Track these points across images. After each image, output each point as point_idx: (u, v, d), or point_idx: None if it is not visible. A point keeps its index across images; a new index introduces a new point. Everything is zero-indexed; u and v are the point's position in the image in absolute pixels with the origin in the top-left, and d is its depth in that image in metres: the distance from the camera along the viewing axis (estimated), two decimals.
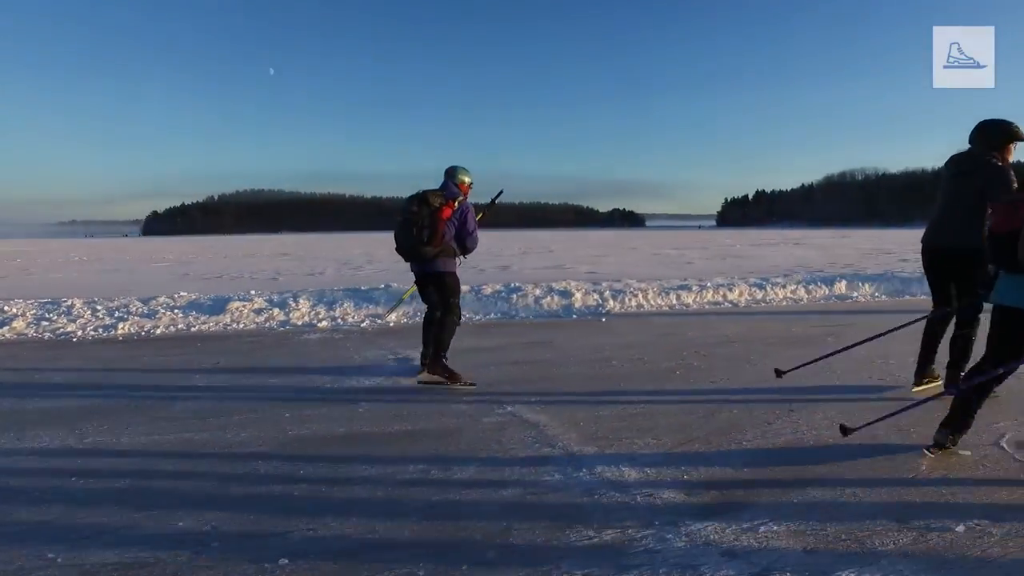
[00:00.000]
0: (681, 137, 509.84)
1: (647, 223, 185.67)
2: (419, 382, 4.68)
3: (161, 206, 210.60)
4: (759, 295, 9.03)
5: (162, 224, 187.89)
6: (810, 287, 9.52)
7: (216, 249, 33.81)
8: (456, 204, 4.65)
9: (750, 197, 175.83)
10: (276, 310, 7.61)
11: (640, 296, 8.61)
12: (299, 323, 7.33)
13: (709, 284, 9.43)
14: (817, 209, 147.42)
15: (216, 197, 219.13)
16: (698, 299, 8.76)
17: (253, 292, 8.75)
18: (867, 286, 9.76)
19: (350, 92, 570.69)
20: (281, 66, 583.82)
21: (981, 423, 3.27)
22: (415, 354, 5.27)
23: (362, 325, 7.24)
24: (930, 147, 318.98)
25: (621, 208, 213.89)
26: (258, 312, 7.51)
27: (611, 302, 8.38)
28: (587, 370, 5.07)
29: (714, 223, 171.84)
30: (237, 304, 7.63)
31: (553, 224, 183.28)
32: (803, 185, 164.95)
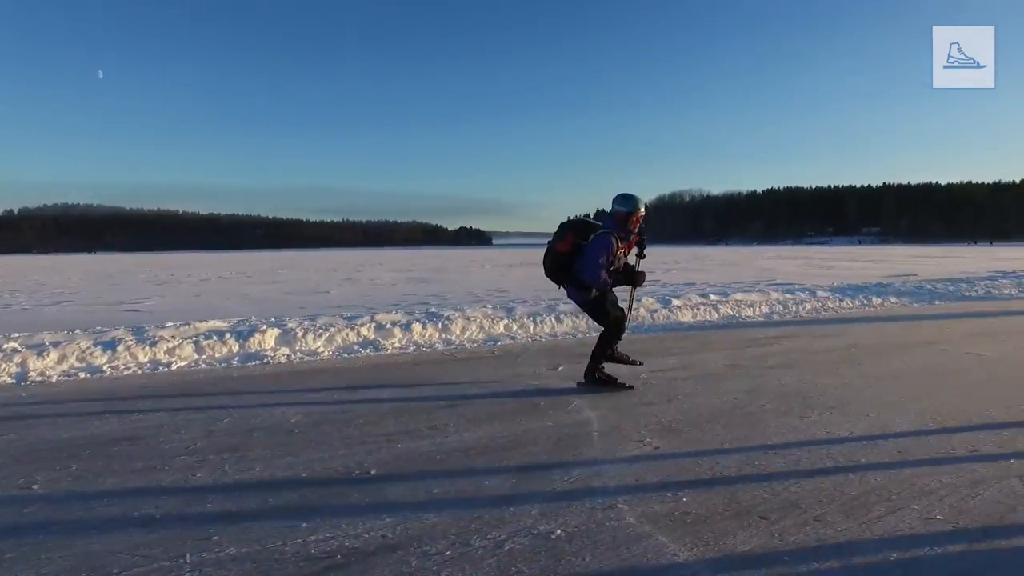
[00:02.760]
0: (528, 158, 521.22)
1: (494, 241, 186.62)
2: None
3: None
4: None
5: None
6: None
7: None
8: (592, 238, 4.70)
9: (591, 216, 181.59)
10: None
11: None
12: None
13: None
14: (650, 227, 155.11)
15: (16, 211, 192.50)
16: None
17: None
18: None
19: (186, 101, 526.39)
20: (110, 69, 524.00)
21: None
22: None
23: None
24: (747, 172, 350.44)
25: (469, 226, 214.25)
26: None
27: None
28: None
29: None
30: None
31: (401, 242, 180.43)
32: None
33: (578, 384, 4.80)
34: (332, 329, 6.80)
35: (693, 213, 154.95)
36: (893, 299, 10.81)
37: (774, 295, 9.90)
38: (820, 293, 10.51)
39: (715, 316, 8.54)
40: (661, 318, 8.13)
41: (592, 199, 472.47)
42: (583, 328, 7.58)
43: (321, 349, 6.44)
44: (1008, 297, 11.81)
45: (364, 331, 6.89)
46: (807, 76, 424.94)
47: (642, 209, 4.82)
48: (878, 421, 3.79)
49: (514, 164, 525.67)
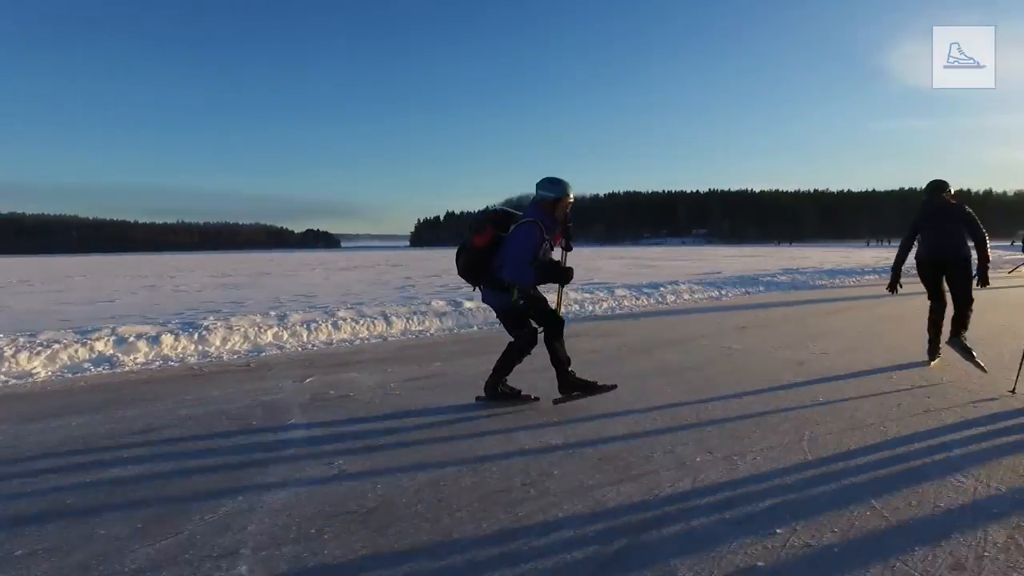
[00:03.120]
0: (378, 158, 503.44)
1: (343, 243, 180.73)
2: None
3: None
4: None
5: None
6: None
7: None
8: (513, 229, 4.13)
9: (441, 218, 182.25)
10: None
11: None
12: None
13: None
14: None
15: None
16: None
17: None
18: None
19: None
20: None
21: None
22: None
23: None
24: (591, 176, 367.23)
25: (316, 229, 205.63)
26: None
27: None
28: None
29: (408, 244, 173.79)
30: None
31: (244, 245, 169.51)
32: (487, 207, 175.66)
33: (477, 399, 4.32)
34: (57, 345, 5.84)
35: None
36: (686, 296, 11.50)
37: (573, 295, 10.11)
38: (618, 292, 10.92)
39: None
40: (450, 323, 7.92)
41: (442, 201, 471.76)
42: (363, 334, 7.17)
43: (38, 370, 5.49)
44: (786, 287, 13.07)
45: (100, 346, 6.00)
46: (643, 85, 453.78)
47: (571, 195, 4.22)
48: (594, 426, 3.75)
49: (364, 164, 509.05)
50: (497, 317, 4.44)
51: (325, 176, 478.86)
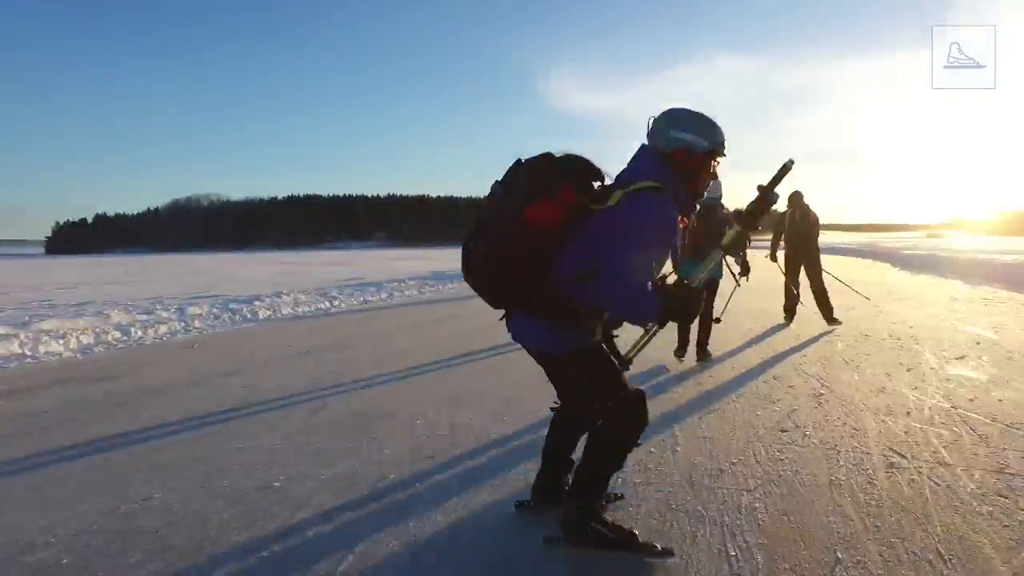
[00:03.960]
0: None
1: None
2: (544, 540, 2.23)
3: None
4: None
5: None
6: None
7: None
8: (623, 201, 2.00)
9: (89, 221, 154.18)
10: None
11: None
12: None
13: None
14: (164, 234, 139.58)
15: None
16: None
17: None
18: None
19: None
20: None
21: None
22: None
23: None
24: (265, 181, 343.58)
25: None
26: None
27: None
28: None
29: (43, 251, 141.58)
30: None
31: None
32: (149, 209, 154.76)
33: (546, 541, 2.24)
34: None
35: (212, 219, 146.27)
36: (287, 310, 10.15)
37: (116, 318, 7.98)
38: (190, 310, 9.06)
39: None
40: None
41: (91, 201, 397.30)
42: None
43: None
44: (434, 284, 12.64)
45: None
46: (329, 88, 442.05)
47: (726, 145, 2.15)
48: None
49: None
50: (551, 373, 2.28)
51: None
